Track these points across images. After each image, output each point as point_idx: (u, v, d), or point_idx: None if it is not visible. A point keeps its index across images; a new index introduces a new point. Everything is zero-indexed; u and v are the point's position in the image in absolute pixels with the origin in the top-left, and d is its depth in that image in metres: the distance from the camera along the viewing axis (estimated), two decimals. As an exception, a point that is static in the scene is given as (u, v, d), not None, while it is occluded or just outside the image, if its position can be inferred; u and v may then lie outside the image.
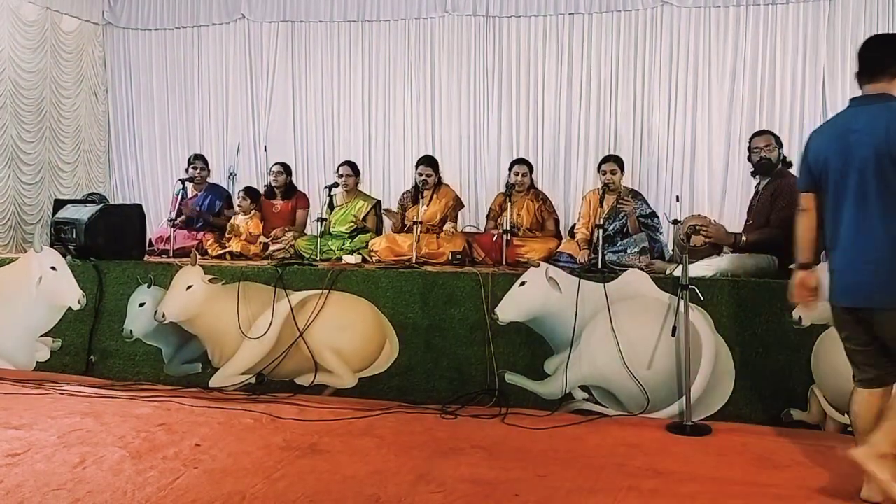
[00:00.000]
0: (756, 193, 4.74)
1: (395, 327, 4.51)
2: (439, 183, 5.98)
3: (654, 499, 2.97)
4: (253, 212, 6.29)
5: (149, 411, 4.11)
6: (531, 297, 4.30)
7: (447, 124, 7.43)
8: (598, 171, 5.44)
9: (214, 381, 4.69)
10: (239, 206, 6.32)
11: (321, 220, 5.79)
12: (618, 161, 5.41)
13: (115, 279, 4.99)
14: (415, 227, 5.30)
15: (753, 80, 6.75)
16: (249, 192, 6.41)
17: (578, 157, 7.15)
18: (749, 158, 4.77)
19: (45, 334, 5.07)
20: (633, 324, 4.16)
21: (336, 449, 3.51)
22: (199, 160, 6.61)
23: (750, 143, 4.75)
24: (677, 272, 4.09)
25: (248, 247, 5.98)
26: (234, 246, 5.99)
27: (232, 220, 6.29)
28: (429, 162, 5.98)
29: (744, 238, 4.42)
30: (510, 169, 5.89)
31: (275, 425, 3.88)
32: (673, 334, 3.99)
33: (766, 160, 4.60)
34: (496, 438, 3.70)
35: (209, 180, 6.73)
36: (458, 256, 5.35)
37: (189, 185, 6.51)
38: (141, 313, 4.86)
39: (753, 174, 4.79)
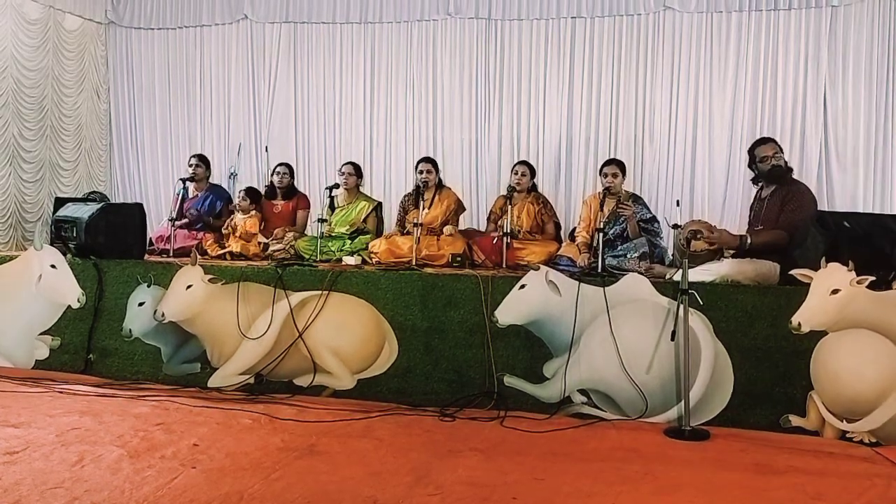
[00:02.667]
0: (760, 200, 4.69)
1: (395, 329, 4.50)
2: (441, 185, 6.00)
3: (652, 503, 2.96)
4: (252, 212, 6.29)
5: (147, 410, 4.10)
6: (531, 300, 4.31)
7: (449, 127, 7.44)
8: (600, 174, 5.45)
9: (213, 381, 4.69)
10: (238, 205, 6.32)
11: (322, 220, 5.80)
12: (620, 165, 5.42)
13: (115, 278, 4.99)
14: (415, 229, 5.30)
15: (755, 86, 6.78)
16: (250, 192, 6.42)
17: (579, 160, 7.17)
18: (752, 167, 4.69)
19: (45, 332, 5.06)
20: (633, 328, 4.16)
21: (334, 450, 3.51)
22: (194, 158, 6.62)
23: (754, 151, 4.66)
24: (677, 277, 4.09)
25: (248, 246, 5.98)
26: (233, 246, 5.99)
27: (230, 221, 6.29)
28: (428, 160, 6.03)
29: (749, 240, 4.38)
30: (512, 170, 5.91)
31: (273, 426, 3.88)
32: (672, 339, 3.99)
33: (777, 167, 4.55)
34: (494, 441, 3.70)
35: (210, 181, 6.73)
36: (458, 259, 5.35)
37: (191, 185, 6.52)
38: (140, 312, 4.86)
39: (755, 181, 4.75)
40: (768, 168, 4.58)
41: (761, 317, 4.00)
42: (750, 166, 4.75)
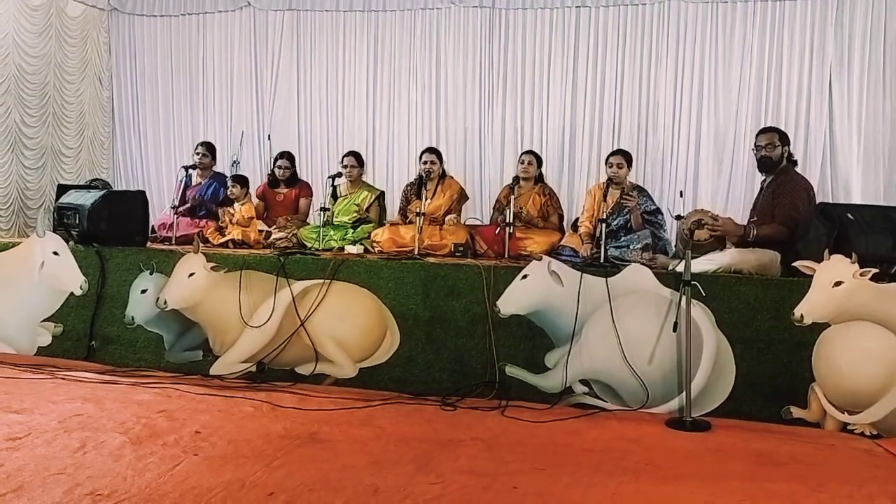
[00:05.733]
0: (760, 190, 4.74)
1: (397, 318, 4.51)
2: (444, 174, 5.99)
3: (653, 493, 2.97)
4: (246, 198, 6.26)
5: (149, 398, 4.11)
6: (533, 290, 4.30)
7: (452, 116, 7.42)
8: (605, 164, 5.43)
9: (215, 369, 4.70)
10: (231, 193, 6.29)
11: (324, 209, 5.79)
12: (625, 155, 5.40)
13: (118, 265, 5.00)
14: (417, 218, 5.29)
15: (759, 77, 6.74)
16: (238, 179, 6.37)
17: (583, 150, 7.15)
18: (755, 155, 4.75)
19: (47, 319, 5.07)
20: (635, 319, 4.16)
21: (336, 438, 3.52)
22: (201, 147, 6.60)
23: (756, 139, 4.73)
24: (680, 268, 4.08)
25: (248, 233, 5.97)
26: (233, 233, 5.97)
27: (227, 210, 6.26)
28: (432, 151, 6.03)
29: (754, 231, 4.38)
30: (518, 159, 5.91)
31: (275, 414, 3.89)
32: (674, 330, 3.99)
33: (766, 158, 4.59)
34: (496, 431, 3.71)
35: (214, 168, 6.72)
36: (461, 248, 5.35)
37: (194, 173, 6.51)
38: (143, 300, 4.87)
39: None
40: (758, 158, 4.64)
41: (763, 308, 3.99)
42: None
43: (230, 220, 6.12)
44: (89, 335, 4.99)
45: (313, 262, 4.73)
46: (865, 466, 3.34)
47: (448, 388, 4.32)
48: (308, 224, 6.16)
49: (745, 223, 4.63)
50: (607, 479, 3.09)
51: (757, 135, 4.75)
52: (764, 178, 4.74)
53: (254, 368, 4.64)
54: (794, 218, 4.31)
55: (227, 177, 6.79)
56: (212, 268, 4.72)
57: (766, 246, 4.32)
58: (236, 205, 6.22)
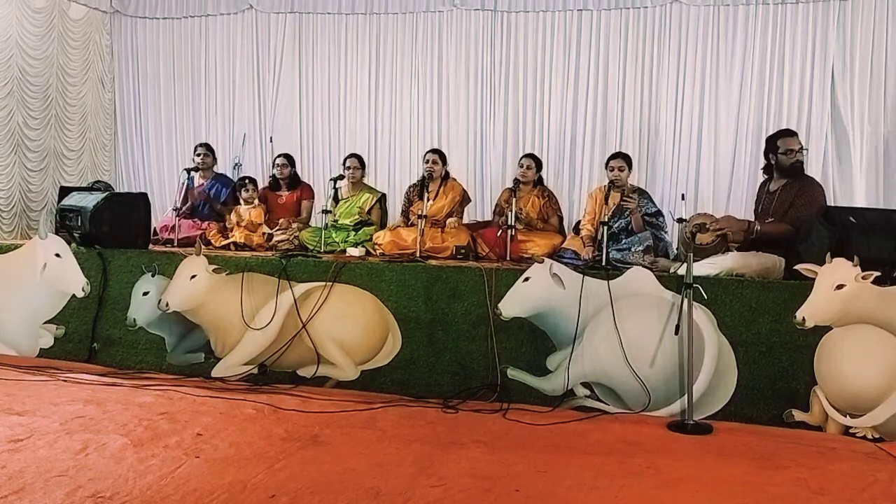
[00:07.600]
0: (769, 193, 4.65)
1: (398, 320, 4.51)
2: (446, 176, 5.99)
3: (654, 496, 2.97)
4: (256, 201, 6.28)
5: (151, 400, 4.12)
6: (534, 292, 4.30)
7: (454, 119, 7.42)
8: (606, 167, 5.43)
9: (217, 371, 4.71)
10: (250, 196, 6.29)
11: (326, 211, 5.80)
12: (626, 158, 5.40)
13: (120, 267, 5.00)
14: (419, 220, 5.29)
15: (762, 79, 6.74)
16: (253, 181, 6.41)
17: (584, 153, 7.14)
18: (769, 156, 4.62)
19: (49, 321, 5.08)
20: (637, 321, 4.16)
21: (337, 441, 3.52)
22: (201, 147, 6.62)
23: (777, 142, 4.56)
24: (681, 270, 4.08)
25: (252, 237, 5.98)
26: (237, 236, 5.99)
27: (236, 210, 6.28)
28: (435, 151, 6.05)
29: (758, 227, 4.35)
30: (518, 163, 5.91)
31: (276, 416, 3.89)
32: (676, 333, 3.99)
33: (799, 163, 4.51)
34: (497, 433, 3.71)
35: (215, 169, 6.73)
36: (462, 251, 5.35)
37: (196, 175, 6.52)
38: (145, 302, 4.87)
39: (766, 170, 4.72)
40: (791, 161, 4.51)
41: (765, 311, 3.99)
42: (766, 155, 4.67)
43: (237, 223, 6.13)
44: (91, 337, 5.00)
45: (315, 264, 4.73)
46: (867, 470, 3.33)
47: (450, 391, 4.32)
48: (310, 226, 6.16)
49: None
50: (609, 481, 3.09)
51: (782, 137, 4.59)
52: (767, 179, 4.71)
53: (255, 371, 4.64)
54: (805, 219, 4.28)
55: (228, 177, 6.81)
56: (214, 270, 4.73)
57: (770, 245, 4.31)
58: (244, 206, 6.22)
